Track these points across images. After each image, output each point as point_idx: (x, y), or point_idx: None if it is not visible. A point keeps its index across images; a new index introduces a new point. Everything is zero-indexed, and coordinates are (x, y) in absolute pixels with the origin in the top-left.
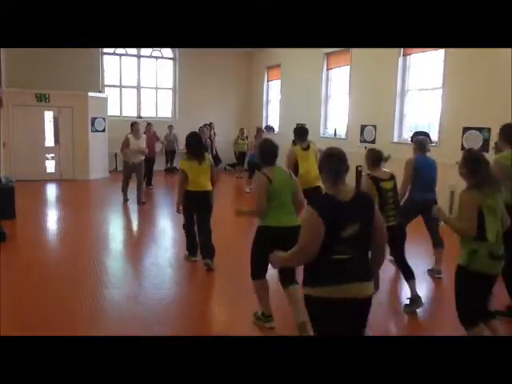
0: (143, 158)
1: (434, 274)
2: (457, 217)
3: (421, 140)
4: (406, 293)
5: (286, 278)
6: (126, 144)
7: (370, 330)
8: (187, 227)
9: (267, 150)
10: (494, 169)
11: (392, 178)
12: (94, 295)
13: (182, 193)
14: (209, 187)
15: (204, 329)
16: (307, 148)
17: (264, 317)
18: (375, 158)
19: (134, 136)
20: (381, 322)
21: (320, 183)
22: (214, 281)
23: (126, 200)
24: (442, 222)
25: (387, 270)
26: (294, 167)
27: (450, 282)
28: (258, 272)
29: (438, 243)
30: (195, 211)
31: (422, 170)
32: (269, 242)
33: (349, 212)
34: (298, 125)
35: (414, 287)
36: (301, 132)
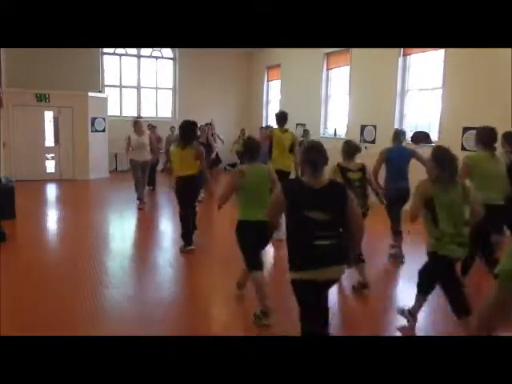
0: (147, 157)
1: (397, 259)
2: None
3: (395, 130)
4: (402, 292)
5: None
6: (128, 143)
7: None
8: (180, 215)
9: (249, 148)
10: (461, 167)
11: (360, 169)
12: (93, 295)
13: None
14: (190, 172)
15: (204, 329)
16: (285, 131)
17: (262, 314)
18: (348, 150)
19: (136, 133)
20: (379, 322)
21: (291, 169)
22: (215, 281)
23: (138, 199)
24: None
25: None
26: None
27: None
28: (254, 263)
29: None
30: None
31: (393, 160)
32: (248, 234)
33: (317, 198)
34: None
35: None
36: (280, 117)
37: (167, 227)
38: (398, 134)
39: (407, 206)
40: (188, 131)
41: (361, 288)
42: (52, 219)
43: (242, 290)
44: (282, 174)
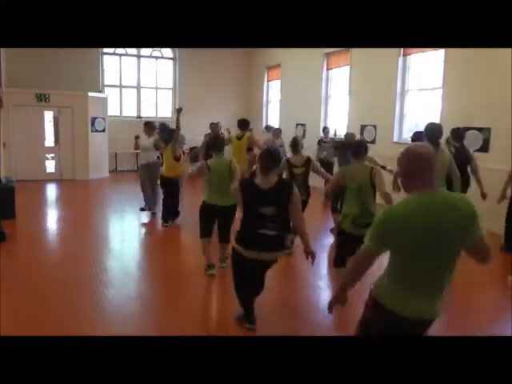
0: (155, 157)
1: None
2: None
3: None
4: None
5: (223, 237)
6: (136, 142)
7: None
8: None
9: (214, 141)
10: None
11: (304, 164)
12: (94, 295)
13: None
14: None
15: (204, 329)
16: (241, 137)
17: (208, 267)
18: (294, 147)
19: (146, 134)
20: None
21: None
22: (215, 281)
23: (142, 209)
24: None
25: None
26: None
27: None
28: (203, 233)
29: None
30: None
31: None
32: (207, 213)
33: (265, 197)
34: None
35: None
36: (240, 123)
37: (167, 227)
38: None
39: None
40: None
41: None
42: (52, 219)
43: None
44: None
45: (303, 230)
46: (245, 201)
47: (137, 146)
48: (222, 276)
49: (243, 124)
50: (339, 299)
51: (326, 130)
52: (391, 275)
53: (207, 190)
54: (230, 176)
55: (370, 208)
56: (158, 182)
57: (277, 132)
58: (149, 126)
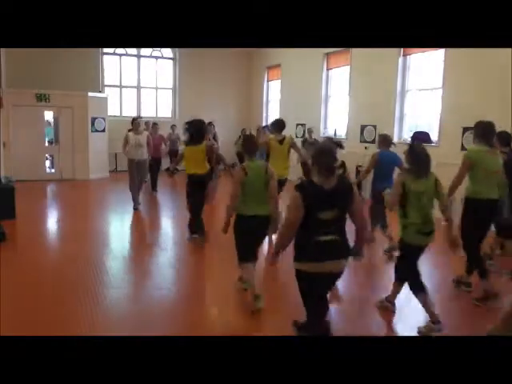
0: (146, 155)
1: (390, 251)
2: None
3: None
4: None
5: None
6: (125, 141)
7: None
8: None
9: (247, 144)
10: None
11: (340, 166)
12: (94, 295)
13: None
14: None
15: (204, 329)
16: (282, 141)
17: (256, 298)
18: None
19: (134, 132)
20: (379, 322)
21: (287, 175)
22: (215, 281)
23: (135, 208)
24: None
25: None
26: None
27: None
28: (243, 256)
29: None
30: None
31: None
32: (245, 229)
33: (328, 199)
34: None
35: None
36: (278, 124)
37: (167, 227)
38: (389, 139)
39: None
40: (200, 130)
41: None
42: (52, 219)
43: (244, 283)
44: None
45: (363, 232)
46: (308, 208)
47: (125, 145)
48: (224, 277)
49: (281, 125)
50: None
51: (310, 130)
52: None
53: (241, 199)
54: (266, 182)
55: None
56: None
57: (310, 130)
58: (137, 123)
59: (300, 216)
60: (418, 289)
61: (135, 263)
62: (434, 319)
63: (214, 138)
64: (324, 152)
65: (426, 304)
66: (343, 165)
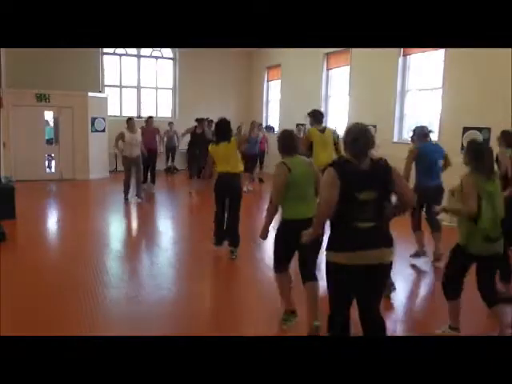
0: (139, 152)
1: (435, 257)
2: (459, 200)
3: (423, 128)
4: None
5: (307, 272)
6: (119, 137)
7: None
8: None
9: (287, 141)
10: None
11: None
12: (94, 295)
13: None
14: (234, 170)
15: (204, 329)
16: (323, 130)
17: (287, 315)
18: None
19: (129, 131)
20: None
21: None
22: (215, 281)
23: (125, 199)
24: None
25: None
26: (308, 148)
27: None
28: (280, 265)
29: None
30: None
31: (426, 157)
32: (288, 235)
33: (366, 178)
34: (314, 110)
35: None
36: (316, 115)
37: (167, 227)
38: (426, 132)
39: None
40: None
41: None
42: (52, 219)
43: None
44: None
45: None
46: (343, 184)
47: (117, 142)
48: (225, 277)
49: (320, 116)
50: None
51: (269, 126)
52: None
53: (288, 201)
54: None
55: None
56: None
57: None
58: (132, 122)
59: (336, 194)
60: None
61: (135, 263)
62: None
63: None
64: (358, 132)
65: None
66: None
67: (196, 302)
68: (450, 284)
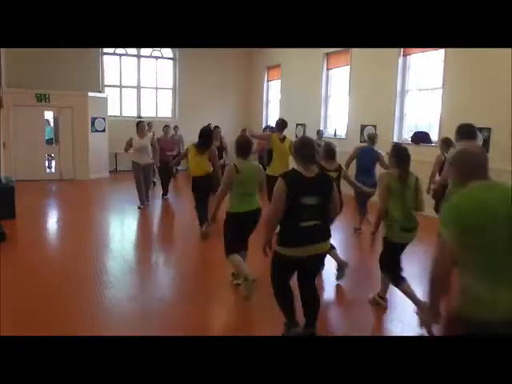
0: (150, 161)
1: (357, 231)
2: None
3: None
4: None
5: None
6: (128, 143)
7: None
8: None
9: (242, 145)
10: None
11: (336, 170)
12: (94, 295)
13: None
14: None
15: (204, 329)
16: (283, 140)
17: (235, 275)
18: (327, 153)
19: (138, 135)
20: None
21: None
22: (215, 280)
23: (139, 208)
24: None
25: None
26: (268, 152)
27: None
28: (230, 249)
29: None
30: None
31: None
32: (234, 224)
33: (309, 185)
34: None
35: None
36: (279, 124)
37: (168, 227)
38: (373, 137)
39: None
40: (206, 141)
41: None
42: (52, 219)
43: (238, 279)
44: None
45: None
46: (291, 193)
47: (128, 148)
48: (224, 277)
49: (283, 124)
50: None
51: (320, 132)
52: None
53: (234, 198)
54: (258, 184)
55: None
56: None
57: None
58: (141, 126)
59: (283, 206)
60: (399, 280)
61: (135, 263)
62: (420, 305)
63: (221, 142)
64: (304, 144)
65: (407, 293)
66: (339, 169)
67: (196, 302)
68: (387, 267)
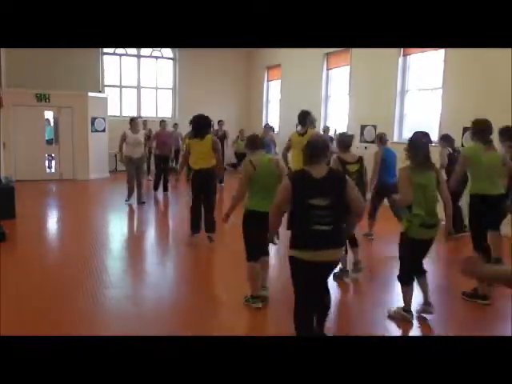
0: (142, 154)
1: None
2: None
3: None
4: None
5: (261, 251)
6: (122, 138)
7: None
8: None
9: (251, 140)
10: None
11: (358, 161)
12: (94, 295)
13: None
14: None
15: (204, 329)
16: (303, 134)
17: (252, 298)
18: (344, 144)
19: (132, 131)
20: (381, 322)
21: None
22: (215, 281)
23: (127, 200)
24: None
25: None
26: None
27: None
28: (250, 255)
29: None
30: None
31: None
32: (254, 224)
33: (318, 186)
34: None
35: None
36: (298, 117)
37: (167, 227)
38: (385, 137)
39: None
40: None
41: (356, 271)
42: (52, 219)
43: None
44: None
45: (354, 223)
46: (297, 194)
47: (122, 143)
48: (225, 278)
49: (303, 116)
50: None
51: (326, 129)
52: None
53: (252, 195)
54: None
55: None
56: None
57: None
58: (135, 122)
59: (285, 198)
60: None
61: (135, 263)
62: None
63: (224, 135)
64: (309, 143)
65: (423, 288)
66: (360, 160)
67: (196, 301)
68: (403, 272)
